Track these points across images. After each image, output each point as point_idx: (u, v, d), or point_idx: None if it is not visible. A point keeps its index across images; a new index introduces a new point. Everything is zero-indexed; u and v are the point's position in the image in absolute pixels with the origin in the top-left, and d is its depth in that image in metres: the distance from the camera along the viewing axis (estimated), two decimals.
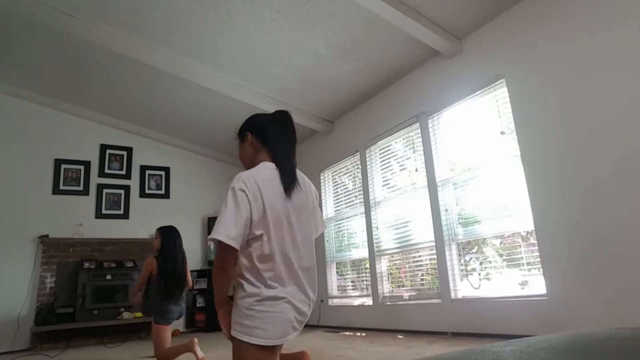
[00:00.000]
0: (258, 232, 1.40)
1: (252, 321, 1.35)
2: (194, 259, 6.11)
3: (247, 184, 1.40)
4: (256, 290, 1.37)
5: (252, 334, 1.34)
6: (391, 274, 4.60)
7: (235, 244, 1.35)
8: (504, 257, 3.51)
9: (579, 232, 2.82)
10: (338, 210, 5.43)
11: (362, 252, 4.87)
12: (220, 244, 1.35)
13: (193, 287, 4.35)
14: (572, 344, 0.63)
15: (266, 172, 1.48)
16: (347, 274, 5.30)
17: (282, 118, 1.61)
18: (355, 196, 5.09)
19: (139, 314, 5.24)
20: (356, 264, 5.10)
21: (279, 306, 1.37)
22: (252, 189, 1.40)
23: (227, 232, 1.33)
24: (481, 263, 3.69)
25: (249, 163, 1.59)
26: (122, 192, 5.92)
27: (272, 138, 1.57)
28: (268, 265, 1.39)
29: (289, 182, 1.49)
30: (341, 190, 5.44)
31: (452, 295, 3.69)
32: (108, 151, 5.95)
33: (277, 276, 1.40)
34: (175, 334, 5.58)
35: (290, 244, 1.45)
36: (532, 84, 3.21)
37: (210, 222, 5.88)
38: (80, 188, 5.63)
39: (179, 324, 5.82)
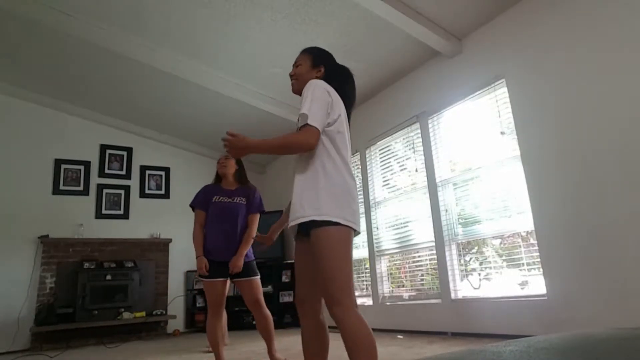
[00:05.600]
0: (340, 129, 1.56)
1: (344, 204, 1.47)
2: (194, 259, 6.10)
3: (329, 90, 1.57)
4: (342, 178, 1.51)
5: (346, 217, 1.45)
6: (391, 274, 4.60)
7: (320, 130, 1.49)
8: (504, 257, 3.51)
9: (579, 232, 2.82)
10: None
11: (362, 252, 4.87)
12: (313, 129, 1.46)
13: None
14: (572, 344, 0.63)
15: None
16: None
17: (349, 75, 1.73)
18: None
19: (139, 314, 5.24)
20: (356, 264, 5.10)
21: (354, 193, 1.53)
22: (333, 94, 1.57)
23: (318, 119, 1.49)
24: (481, 263, 3.69)
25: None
26: (122, 192, 5.92)
27: (334, 83, 1.64)
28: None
29: (349, 105, 1.68)
30: None
31: (452, 296, 3.69)
32: (108, 151, 5.95)
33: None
34: (175, 334, 5.59)
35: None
36: (532, 84, 3.21)
37: None
38: (80, 188, 5.63)
39: (179, 324, 5.82)
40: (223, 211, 2.71)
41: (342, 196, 1.48)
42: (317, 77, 1.67)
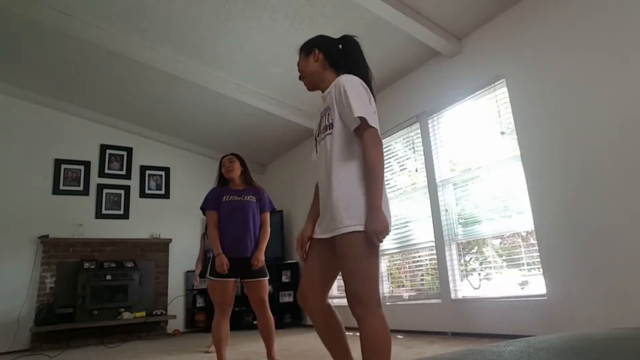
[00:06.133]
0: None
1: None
2: (194, 259, 6.10)
3: (363, 83, 1.53)
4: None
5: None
6: (391, 274, 4.60)
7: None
8: (504, 257, 3.51)
9: (579, 232, 2.82)
10: None
11: None
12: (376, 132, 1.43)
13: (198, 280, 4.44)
14: (572, 344, 0.63)
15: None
16: None
17: (349, 41, 1.68)
18: None
19: (139, 314, 5.24)
20: None
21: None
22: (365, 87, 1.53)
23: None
24: (481, 263, 3.69)
25: (317, 77, 1.65)
26: (122, 192, 5.93)
27: (338, 59, 1.63)
28: None
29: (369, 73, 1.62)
30: None
31: (452, 296, 3.69)
32: (108, 151, 5.95)
33: None
34: (175, 334, 5.59)
35: None
36: (532, 84, 3.21)
37: None
38: (80, 188, 5.63)
39: (179, 324, 5.82)
40: (235, 209, 2.72)
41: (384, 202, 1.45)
42: (316, 62, 1.64)
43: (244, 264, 2.66)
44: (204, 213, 2.82)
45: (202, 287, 5.83)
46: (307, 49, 1.68)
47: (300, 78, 1.72)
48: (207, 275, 2.64)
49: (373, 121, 1.43)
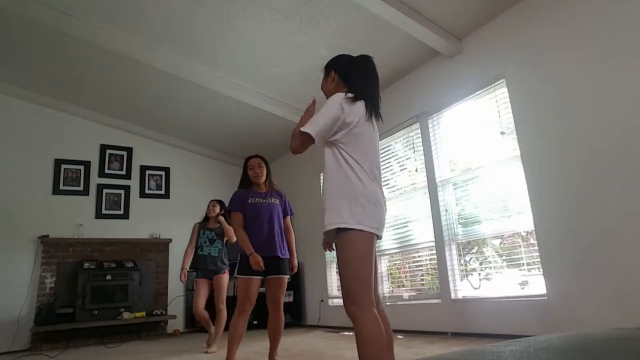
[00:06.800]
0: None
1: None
2: None
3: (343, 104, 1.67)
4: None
5: (367, 223, 1.56)
6: (391, 274, 4.60)
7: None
8: (504, 257, 3.51)
9: (579, 233, 2.82)
10: None
11: None
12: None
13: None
14: (572, 344, 0.63)
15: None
16: None
17: (364, 62, 1.79)
18: None
19: (139, 314, 5.24)
20: None
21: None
22: (346, 106, 1.67)
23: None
24: (481, 263, 3.69)
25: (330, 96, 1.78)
26: (122, 192, 5.92)
27: (352, 79, 1.75)
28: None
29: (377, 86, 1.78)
30: None
31: (452, 296, 3.69)
32: (108, 151, 5.95)
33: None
34: (175, 334, 5.59)
35: None
36: (532, 84, 3.21)
37: None
38: (80, 188, 5.63)
39: (179, 324, 5.82)
40: (260, 210, 2.77)
41: (364, 203, 1.57)
42: (332, 83, 1.80)
43: (272, 262, 2.70)
44: (229, 215, 2.93)
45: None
46: (327, 69, 1.85)
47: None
48: (236, 274, 2.66)
49: (305, 127, 1.61)
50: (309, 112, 1.79)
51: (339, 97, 1.65)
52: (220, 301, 3.80)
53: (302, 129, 1.60)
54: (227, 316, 3.75)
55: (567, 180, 2.92)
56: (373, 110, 1.70)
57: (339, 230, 1.55)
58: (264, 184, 2.90)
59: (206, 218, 4.07)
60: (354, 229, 1.53)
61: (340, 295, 5.74)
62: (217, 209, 4.00)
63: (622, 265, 2.59)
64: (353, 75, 1.75)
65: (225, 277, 3.90)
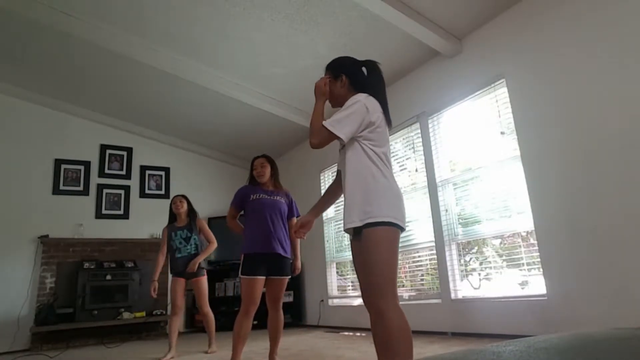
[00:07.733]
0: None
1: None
2: None
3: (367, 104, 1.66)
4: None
5: (395, 216, 1.58)
6: None
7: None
8: (504, 257, 3.51)
9: (579, 233, 2.82)
10: (338, 210, 5.43)
11: None
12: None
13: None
14: (572, 344, 0.63)
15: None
16: (347, 274, 5.30)
17: (374, 68, 1.80)
18: None
19: (139, 314, 5.24)
20: None
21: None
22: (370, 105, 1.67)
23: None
24: (481, 263, 3.69)
25: (342, 99, 1.76)
26: (122, 192, 5.92)
27: (364, 83, 1.76)
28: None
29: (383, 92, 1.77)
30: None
31: (452, 296, 3.69)
32: (108, 151, 5.95)
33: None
34: None
35: None
36: (532, 84, 3.21)
37: (211, 222, 5.87)
38: (80, 188, 5.63)
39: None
40: (262, 207, 2.77)
41: (390, 197, 1.58)
42: (342, 88, 1.77)
43: (273, 259, 2.69)
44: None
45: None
46: (335, 72, 1.81)
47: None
48: (240, 274, 2.65)
49: (332, 126, 1.59)
50: (321, 90, 1.77)
51: (362, 97, 1.65)
52: (204, 305, 3.75)
53: (331, 129, 1.59)
54: (215, 317, 3.83)
55: (567, 180, 2.92)
56: (386, 116, 1.72)
57: (367, 225, 1.55)
58: (269, 182, 2.90)
59: (173, 218, 3.85)
60: (382, 223, 1.54)
61: (340, 295, 5.76)
62: (185, 205, 3.82)
63: (622, 265, 2.59)
64: (364, 81, 1.77)
65: (204, 280, 3.76)
